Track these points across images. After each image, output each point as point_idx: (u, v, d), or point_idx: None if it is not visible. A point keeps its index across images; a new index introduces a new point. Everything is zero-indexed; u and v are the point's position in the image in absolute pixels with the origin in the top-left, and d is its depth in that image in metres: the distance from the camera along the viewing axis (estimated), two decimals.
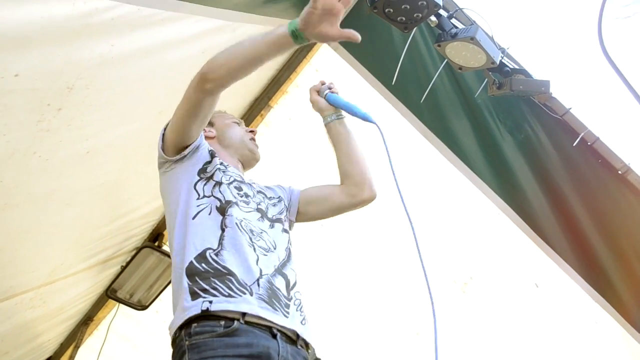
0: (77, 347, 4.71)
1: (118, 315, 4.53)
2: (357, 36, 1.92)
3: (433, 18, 2.82)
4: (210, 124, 2.58)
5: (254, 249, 2.10)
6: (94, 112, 2.62)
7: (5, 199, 2.73)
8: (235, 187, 2.29)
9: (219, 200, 2.19)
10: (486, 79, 3.19)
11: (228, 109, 3.58)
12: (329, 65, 3.62)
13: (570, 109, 3.27)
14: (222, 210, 2.16)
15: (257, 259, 2.08)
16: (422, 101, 3.40)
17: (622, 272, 3.35)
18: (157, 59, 2.65)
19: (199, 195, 2.21)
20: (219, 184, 2.25)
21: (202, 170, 2.28)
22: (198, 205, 2.17)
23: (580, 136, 3.25)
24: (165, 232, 4.14)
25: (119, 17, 2.25)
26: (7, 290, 3.57)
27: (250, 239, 2.12)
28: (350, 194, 2.49)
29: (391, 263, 3.85)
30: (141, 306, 4.29)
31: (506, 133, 3.43)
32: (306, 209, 2.55)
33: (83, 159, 2.86)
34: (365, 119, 2.32)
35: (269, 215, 2.34)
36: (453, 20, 2.94)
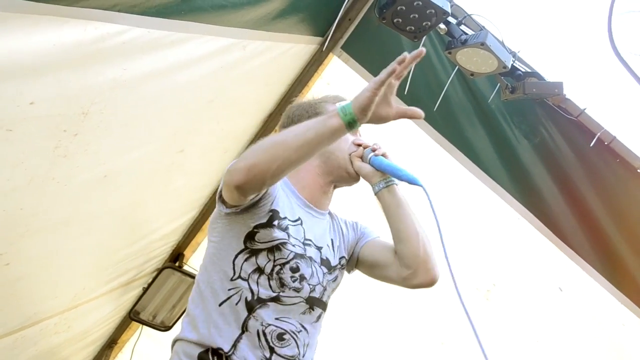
0: None
1: (142, 337, 4.54)
2: (420, 114, 1.79)
3: (442, 26, 2.83)
4: (317, 116, 2.06)
5: None
6: (109, 136, 2.64)
7: (25, 226, 2.75)
8: (291, 269, 2.00)
9: (252, 293, 1.94)
10: (499, 84, 3.18)
11: (240, 128, 3.62)
12: (341, 78, 3.62)
13: (585, 109, 3.25)
14: (251, 307, 1.93)
15: None
16: (435, 109, 3.39)
17: None
18: (169, 80, 2.68)
19: (234, 274, 1.96)
20: (260, 270, 1.97)
21: (250, 237, 1.98)
22: (229, 290, 1.95)
23: (596, 136, 3.22)
24: (185, 252, 4.16)
25: (129, 41, 2.28)
26: (32, 317, 3.59)
27: (272, 350, 1.93)
28: (402, 277, 2.15)
29: None
30: (165, 327, 4.30)
31: (521, 137, 3.41)
32: (359, 266, 2.32)
33: (100, 182, 2.88)
34: (411, 182, 2.07)
35: (323, 300, 2.11)
36: (462, 27, 2.95)
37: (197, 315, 1.96)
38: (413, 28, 2.75)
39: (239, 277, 1.95)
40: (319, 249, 2.11)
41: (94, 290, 3.86)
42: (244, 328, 1.91)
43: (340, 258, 2.22)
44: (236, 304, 1.93)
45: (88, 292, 3.83)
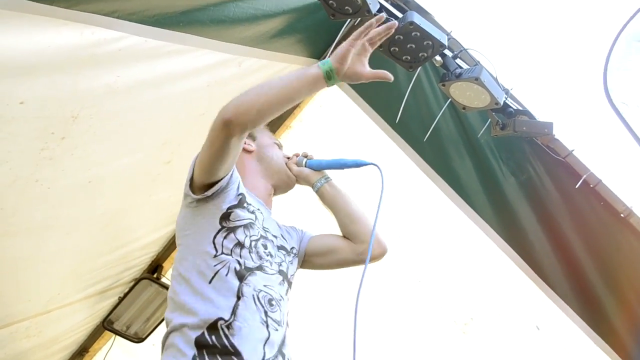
0: None
1: (114, 347, 4.47)
2: (389, 76, 1.99)
3: (438, 58, 2.84)
4: (252, 137, 2.52)
5: (267, 326, 2.03)
6: (97, 142, 2.63)
7: (5, 226, 2.73)
8: (262, 245, 2.20)
9: (239, 264, 2.08)
10: (489, 119, 3.19)
11: None
12: (333, 102, 3.63)
13: (572, 150, 3.27)
14: (241, 276, 2.06)
15: (267, 339, 2.01)
16: (425, 140, 3.40)
17: (623, 316, 3.32)
18: (162, 91, 2.67)
19: (217, 251, 2.09)
20: (240, 244, 2.12)
21: (225, 217, 2.15)
22: (215, 265, 2.06)
23: (582, 178, 3.24)
24: (164, 264, 4.12)
25: (125, 48, 2.27)
26: (3, 319, 3.55)
27: (266, 313, 2.05)
28: (358, 252, 2.43)
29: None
30: (138, 338, 4.25)
31: (508, 173, 3.42)
32: (311, 259, 2.51)
33: (85, 188, 2.86)
34: (359, 164, 2.35)
35: (288, 276, 2.30)
36: (458, 60, 2.96)
37: (187, 301, 2.02)
38: (409, 58, 2.75)
39: (222, 253, 2.08)
40: (274, 236, 2.32)
41: (69, 296, 3.82)
42: (239, 294, 2.02)
43: (292, 248, 2.42)
44: (226, 275, 2.04)
45: (63, 298, 3.78)
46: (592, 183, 3.26)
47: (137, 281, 4.04)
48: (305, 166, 2.50)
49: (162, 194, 3.51)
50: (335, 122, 3.70)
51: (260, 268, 2.12)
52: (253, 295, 2.03)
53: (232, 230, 2.13)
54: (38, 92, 2.17)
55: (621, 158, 3.47)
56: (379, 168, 2.26)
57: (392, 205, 3.57)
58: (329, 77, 1.92)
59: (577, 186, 3.25)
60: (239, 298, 2.00)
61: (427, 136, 3.40)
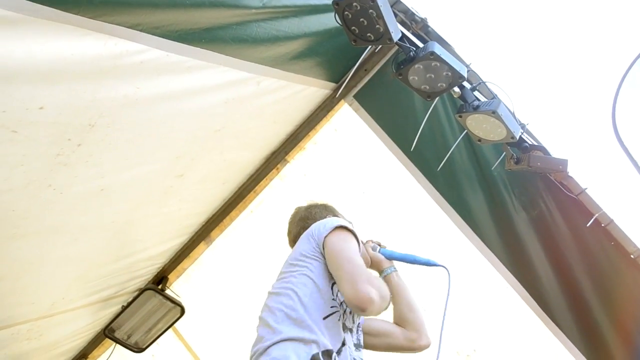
0: None
1: (114, 355, 4.46)
2: None
3: (456, 89, 2.85)
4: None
5: None
6: (112, 151, 2.64)
7: (14, 228, 2.73)
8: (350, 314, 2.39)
9: (344, 317, 2.31)
10: (504, 153, 3.19)
11: (242, 161, 3.62)
12: (349, 126, 3.64)
13: (586, 189, 3.27)
14: (344, 328, 2.29)
15: None
16: (438, 169, 3.41)
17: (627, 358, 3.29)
18: (180, 105, 2.69)
19: (334, 295, 2.29)
20: (343, 304, 2.33)
21: None
22: (332, 307, 2.27)
23: (594, 217, 3.24)
24: (169, 276, 4.12)
25: (147, 61, 2.29)
26: (5, 320, 3.54)
27: None
28: (410, 339, 2.62)
29: None
30: (138, 348, 4.23)
31: (520, 208, 3.42)
32: (364, 338, 2.59)
33: (97, 196, 2.87)
34: (430, 264, 2.57)
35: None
36: (476, 93, 2.97)
37: (302, 319, 2.20)
38: (428, 88, 2.76)
39: (336, 300, 2.29)
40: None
41: (72, 301, 3.81)
42: (343, 342, 2.24)
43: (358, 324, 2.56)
44: (337, 320, 2.26)
45: (66, 303, 3.78)
46: (603, 222, 3.25)
47: (142, 291, 4.04)
48: (380, 253, 2.71)
49: (172, 207, 3.51)
50: (349, 147, 3.71)
51: (351, 330, 2.36)
52: (349, 350, 2.27)
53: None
54: (57, 98, 2.18)
55: (634, 199, 3.45)
56: (448, 271, 2.50)
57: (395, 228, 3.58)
58: None
59: (588, 225, 3.25)
60: (342, 345, 2.23)
61: (440, 166, 3.40)
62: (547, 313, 3.41)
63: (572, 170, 3.25)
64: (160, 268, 4.10)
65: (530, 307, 3.44)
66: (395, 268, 2.69)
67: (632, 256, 3.26)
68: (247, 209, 3.83)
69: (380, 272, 2.67)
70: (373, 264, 2.70)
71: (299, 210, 2.86)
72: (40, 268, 3.26)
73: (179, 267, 4.09)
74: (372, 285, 2.12)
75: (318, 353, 2.12)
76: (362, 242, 2.58)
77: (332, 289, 2.31)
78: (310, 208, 2.82)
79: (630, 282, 3.31)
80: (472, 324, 3.67)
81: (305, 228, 2.54)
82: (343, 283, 2.17)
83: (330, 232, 2.36)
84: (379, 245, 2.74)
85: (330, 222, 2.42)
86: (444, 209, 3.48)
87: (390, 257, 2.70)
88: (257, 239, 3.90)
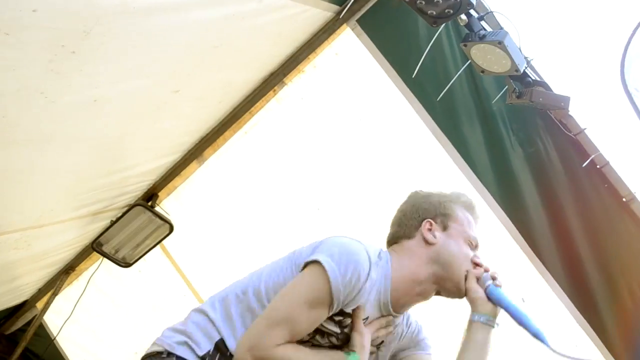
0: (54, 294, 4.68)
1: (100, 269, 4.48)
2: None
3: (463, 17, 2.77)
4: (443, 221, 2.18)
5: None
6: (107, 62, 2.56)
7: (3, 135, 2.68)
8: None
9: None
10: (506, 87, 3.14)
11: (239, 80, 3.55)
12: (350, 51, 3.56)
13: (585, 129, 3.25)
14: None
15: None
16: (438, 100, 3.36)
17: (611, 301, 3.33)
18: (179, 17, 2.59)
19: None
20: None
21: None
22: None
23: (590, 158, 3.23)
24: (160, 194, 4.09)
25: None
26: None
27: None
28: None
29: None
30: (125, 263, 4.24)
31: (517, 144, 3.39)
32: None
33: (89, 107, 2.81)
34: (536, 335, 1.93)
35: None
36: (482, 22, 2.89)
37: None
38: (434, 13, 2.68)
39: None
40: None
41: (61, 213, 3.80)
42: None
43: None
44: None
45: (55, 215, 3.77)
46: (599, 164, 3.24)
47: (131, 207, 4.02)
48: (487, 290, 2.06)
49: (166, 123, 3.46)
50: (349, 72, 3.64)
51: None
52: None
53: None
54: (52, 2, 2.09)
55: (632, 143, 3.43)
56: (553, 349, 1.90)
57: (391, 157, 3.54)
58: None
59: (583, 165, 3.23)
60: None
61: (440, 96, 3.35)
62: (534, 251, 3.42)
63: (572, 110, 3.23)
64: (151, 185, 4.06)
65: (518, 243, 3.45)
66: (492, 323, 2.06)
67: (624, 199, 3.26)
68: (242, 130, 3.78)
69: (472, 314, 2.08)
70: (469, 299, 2.09)
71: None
72: (29, 178, 3.22)
73: (169, 185, 4.06)
74: (259, 353, 1.80)
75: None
76: (473, 262, 2.12)
77: None
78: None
79: (619, 225, 3.32)
80: None
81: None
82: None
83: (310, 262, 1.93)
84: (493, 280, 2.08)
85: (322, 248, 1.95)
86: (439, 140, 3.44)
87: (496, 302, 2.05)
88: (250, 161, 3.87)
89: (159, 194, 4.09)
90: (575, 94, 3.21)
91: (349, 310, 1.94)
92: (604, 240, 3.35)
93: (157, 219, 4.01)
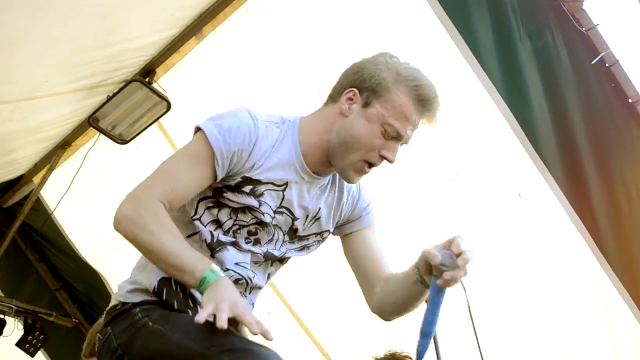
0: (51, 169, 4.67)
1: (97, 145, 4.44)
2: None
3: None
4: (372, 94, 1.88)
5: None
6: None
7: None
8: (248, 232, 1.93)
9: (211, 236, 1.90)
10: None
11: None
12: None
13: (597, 25, 3.15)
14: (212, 249, 1.90)
15: None
16: None
17: (606, 201, 3.35)
18: None
19: (196, 213, 1.91)
20: (219, 224, 1.91)
21: (219, 191, 1.89)
22: (192, 227, 1.91)
23: (600, 55, 3.17)
24: (157, 70, 3.99)
25: None
26: None
27: None
28: (368, 299, 2.06)
29: None
30: (122, 140, 4.19)
31: (526, 37, 3.31)
32: (345, 247, 2.16)
33: None
34: (425, 331, 1.72)
35: (285, 257, 2.07)
36: None
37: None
38: None
39: (199, 220, 1.89)
40: (293, 218, 1.98)
41: (56, 85, 3.72)
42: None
43: (322, 232, 2.09)
44: (198, 242, 1.89)
45: (50, 86, 3.70)
46: (608, 62, 3.19)
47: (128, 82, 3.93)
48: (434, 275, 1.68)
49: None
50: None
51: (235, 244, 1.91)
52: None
53: (219, 206, 1.90)
54: None
55: None
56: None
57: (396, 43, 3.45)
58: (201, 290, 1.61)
59: (592, 62, 3.16)
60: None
61: None
62: (534, 146, 3.41)
63: (586, 4, 3.12)
64: (148, 60, 3.94)
65: (519, 138, 3.42)
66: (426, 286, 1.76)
67: (630, 100, 3.23)
68: (243, 7, 3.63)
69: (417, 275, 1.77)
70: (422, 260, 1.72)
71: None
72: (23, 47, 3.14)
73: (167, 61, 3.94)
74: (134, 200, 1.74)
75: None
76: (382, 155, 1.89)
77: (197, 204, 1.90)
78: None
79: (623, 127, 3.31)
80: (456, 149, 3.68)
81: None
82: None
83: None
84: (444, 268, 1.61)
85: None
86: (447, 29, 3.31)
87: (431, 292, 1.71)
88: (250, 41, 3.75)
89: (157, 70, 3.99)
90: None
91: (254, 175, 1.87)
92: (606, 141, 3.33)
93: (155, 96, 3.93)
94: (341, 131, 1.90)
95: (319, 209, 2.04)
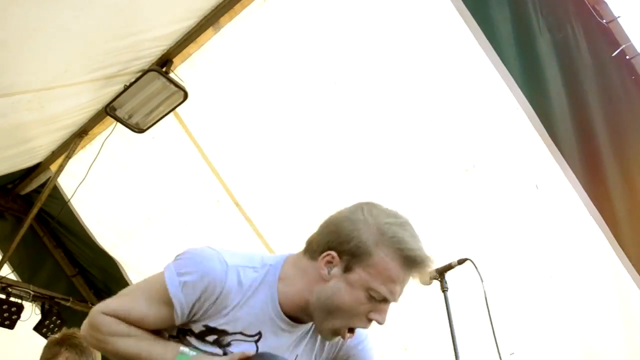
0: (68, 157, 4.70)
1: (114, 134, 4.47)
2: None
3: None
4: (352, 258, 1.68)
5: None
6: None
7: None
8: None
9: None
10: None
11: None
12: None
13: (618, 17, 3.11)
14: None
15: None
16: None
17: (624, 193, 3.33)
18: None
19: None
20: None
21: (182, 332, 1.79)
22: None
23: (621, 48, 3.12)
24: (174, 60, 4.00)
25: None
26: (7, 87, 3.51)
27: None
28: None
29: None
30: (138, 129, 4.20)
31: (545, 29, 3.28)
32: None
33: None
34: None
35: None
36: None
37: None
38: None
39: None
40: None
41: (75, 76, 3.75)
42: None
43: None
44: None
45: (69, 77, 3.72)
46: (629, 55, 3.15)
47: (145, 72, 3.94)
48: None
49: None
50: None
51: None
52: None
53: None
54: None
55: None
56: None
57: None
58: None
59: (613, 55, 3.13)
60: None
61: None
62: (552, 138, 3.38)
63: None
64: (165, 50, 3.96)
65: (537, 129, 3.40)
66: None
67: None
68: None
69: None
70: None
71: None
72: (43, 38, 3.17)
73: (184, 52, 3.95)
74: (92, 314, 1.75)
75: None
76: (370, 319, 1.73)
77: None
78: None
79: None
80: (474, 140, 3.67)
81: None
82: None
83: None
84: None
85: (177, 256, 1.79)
86: (466, 21, 3.30)
87: None
88: (267, 31, 3.75)
89: (174, 60, 3.99)
90: None
91: (219, 326, 1.75)
92: (625, 134, 3.30)
93: (171, 86, 3.94)
94: (321, 296, 1.72)
95: (296, 356, 1.87)
